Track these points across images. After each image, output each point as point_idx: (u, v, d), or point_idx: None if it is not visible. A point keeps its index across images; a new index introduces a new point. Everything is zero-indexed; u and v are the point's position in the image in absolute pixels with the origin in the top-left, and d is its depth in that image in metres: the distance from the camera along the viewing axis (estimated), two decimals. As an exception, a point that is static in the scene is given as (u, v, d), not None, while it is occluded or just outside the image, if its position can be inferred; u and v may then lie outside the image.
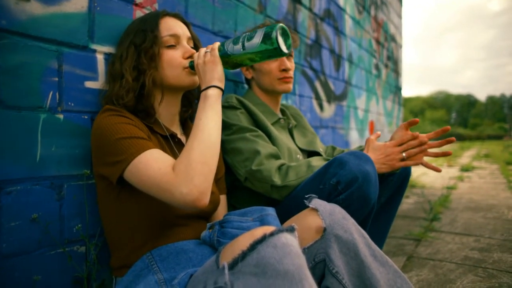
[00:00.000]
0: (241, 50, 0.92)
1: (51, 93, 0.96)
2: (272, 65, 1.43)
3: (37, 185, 0.93)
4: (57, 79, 0.97)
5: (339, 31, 2.89)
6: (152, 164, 0.83)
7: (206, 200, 0.81)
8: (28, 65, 0.91)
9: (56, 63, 0.97)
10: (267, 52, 0.90)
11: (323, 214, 0.89)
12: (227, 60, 0.95)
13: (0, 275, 0.86)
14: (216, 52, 0.95)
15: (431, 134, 1.24)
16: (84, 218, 1.03)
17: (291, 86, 1.47)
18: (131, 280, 0.89)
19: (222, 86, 0.95)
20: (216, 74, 0.93)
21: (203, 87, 0.95)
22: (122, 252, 0.96)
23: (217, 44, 0.97)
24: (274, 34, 0.88)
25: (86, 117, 1.04)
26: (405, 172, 1.36)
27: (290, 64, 1.45)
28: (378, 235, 1.39)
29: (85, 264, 1.04)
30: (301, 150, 1.51)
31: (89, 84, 1.05)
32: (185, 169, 0.81)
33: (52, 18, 0.95)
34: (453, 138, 1.22)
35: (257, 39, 0.90)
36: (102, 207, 0.99)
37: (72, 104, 1.01)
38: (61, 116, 0.98)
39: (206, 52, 0.96)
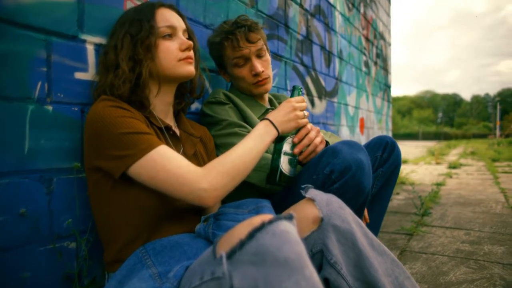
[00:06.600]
0: (280, 158, 1.10)
1: (39, 83, 0.93)
2: (244, 71, 1.35)
3: (25, 179, 0.90)
4: (45, 69, 0.94)
5: (329, 27, 2.90)
6: (172, 160, 0.86)
7: (212, 202, 0.87)
8: (16, 54, 0.88)
9: (44, 52, 0.94)
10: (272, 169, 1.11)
11: (320, 204, 0.88)
12: (278, 143, 1.10)
13: (-13, 271, 0.83)
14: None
15: None
16: (75, 212, 1.01)
17: (268, 86, 1.39)
18: (124, 274, 0.86)
19: (274, 137, 1.04)
20: (286, 129, 1.06)
21: (273, 120, 1.04)
22: (115, 246, 0.94)
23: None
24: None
25: (76, 109, 1.01)
26: (395, 162, 1.38)
27: (261, 65, 1.34)
28: (371, 226, 1.39)
29: (76, 260, 1.01)
30: None
31: (79, 75, 1.02)
32: (220, 172, 0.88)
33: (40, 6, 0.92)
34: None
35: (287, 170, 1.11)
36: (94, 201, 0.97)
37: (62, 96, 0.98)
38: (50, 108, 0.95)
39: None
